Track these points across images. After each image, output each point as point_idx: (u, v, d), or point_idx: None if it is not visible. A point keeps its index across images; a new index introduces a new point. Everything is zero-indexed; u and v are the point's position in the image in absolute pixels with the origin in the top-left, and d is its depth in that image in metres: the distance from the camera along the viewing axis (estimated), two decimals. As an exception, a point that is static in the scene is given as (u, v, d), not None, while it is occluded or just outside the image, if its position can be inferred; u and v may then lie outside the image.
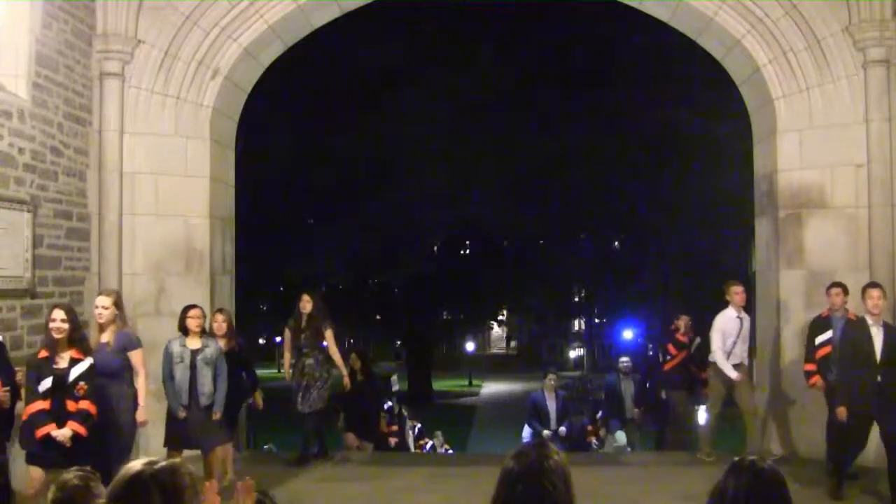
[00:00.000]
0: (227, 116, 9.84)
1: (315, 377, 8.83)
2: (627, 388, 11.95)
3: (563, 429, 11.51)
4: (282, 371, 9.13)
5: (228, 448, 7.82)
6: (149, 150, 9.01)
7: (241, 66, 9.46)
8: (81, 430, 5.96)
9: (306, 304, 8.94)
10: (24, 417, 5.98)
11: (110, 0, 8.75)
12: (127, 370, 6.79)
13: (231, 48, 9.22)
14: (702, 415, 10.85)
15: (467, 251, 37.53)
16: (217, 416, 7.29)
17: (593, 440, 13.42)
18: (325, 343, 8.97)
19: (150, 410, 7.19)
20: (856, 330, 7.30)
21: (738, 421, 9.73)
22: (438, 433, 16.92)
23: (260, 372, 10.90)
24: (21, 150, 7.46)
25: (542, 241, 36.17)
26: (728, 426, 9.97)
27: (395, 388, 16.32)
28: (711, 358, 8.89)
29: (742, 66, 9.57)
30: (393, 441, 12.45)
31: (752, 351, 9.37)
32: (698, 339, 10.45)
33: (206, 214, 9.21)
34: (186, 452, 7.20)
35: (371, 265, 30.11)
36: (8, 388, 5.94)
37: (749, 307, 9.61)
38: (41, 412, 5.89)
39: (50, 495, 3.15)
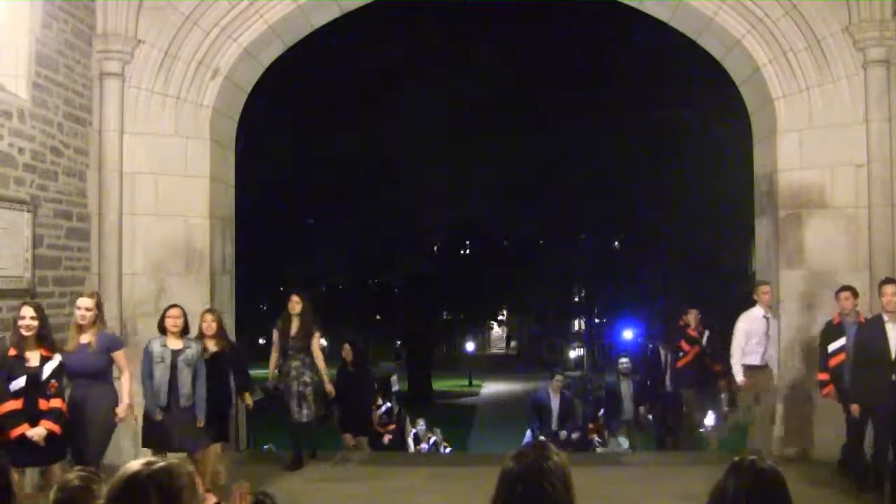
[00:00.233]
0: (227, 116, 9.84)
1: (306, 382, 8.67)
2: (626, 390, 11.95)
3: (563, 432, 11.50)
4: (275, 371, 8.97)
5: (214, 449, 7.70)
6: (149, 150, 9.02)
7: (241, 66, 9.47)
8: (56, 428, 5.96)
9: (295, 305, 8.76)
10: None
11: (110, 0, 8.75)
12: (109, 370, 6.77)
13: (231, 48, 9.22)
14: (709, 415, 10.87)
15: (467, 251, 37.50)
16: (201, 422, 7.17)
17: (595, 437, 13.45)
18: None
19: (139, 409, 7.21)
20: (870, 328, 7.24)
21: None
22: (437, 430, 16.94)
23: (260, 372, 10.86)
24: (21, 150, 7.47)
25: (542, 241, 36.14)
26: (738, 425, 9.99)
27: (395, 388, 16.33)
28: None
29: (742, 66, 9.57)
30: (387, 438, 12.37)
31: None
32: (707, 332, 10.42)
33: (206, 214, 9.21)
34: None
35: (371, 265, 30.07)
36: None
37: (749, 307, 9.60)
38: (14, 412, 5.84)
39: (51, 495, 3.16)
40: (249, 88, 10.10)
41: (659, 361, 11.40)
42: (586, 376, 37.92)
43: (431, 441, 16.08)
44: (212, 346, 7.74)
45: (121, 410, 6.73)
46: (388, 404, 12.63)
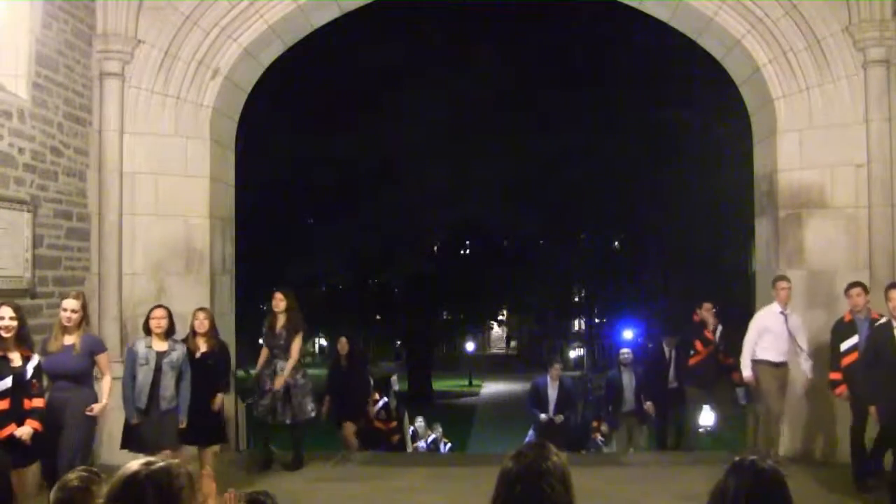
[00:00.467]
0: (227, 116, 9.84)
1: (294, 382, 8.49)
2: (628, 381, 11.83)
3: (560, 416, 11.53)
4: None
5: (212, 450, 7.63)
6: (149, 150, 9.02)
7: (241, 66, 9.47)
8: (39, 426, 5.93)
9: (279, 303, 8.56)
10: None
11: (110, 0, 8.76)
12: (91, 373, 6.73)
13: (231, 48, 9.23)
14: (708, 415, 10.79)
15: (467, 251, 37.50)
16: (183, 423, 7.06)
17: (598, 436, 13.44)
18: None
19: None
20: (879, 334, 7.21)
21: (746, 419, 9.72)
22: (437, 425, 16.95)
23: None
24: (21, 150, 7.47)
25: (542, 241, 36.14)
26: (737, 425, 9.95)
27: (396, 387, 16.31)
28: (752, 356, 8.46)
29: (742, 66, 9.57)
30: (396, 438, 12.38)
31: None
32: (721, 328, 10.17)
33: (206, 214, 9.22)
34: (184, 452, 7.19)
35: (371, 265, 30.07)
36: None
37: (749, 307, 9.59)
38: (1, 413, 5.79)
39: (51, 495, 3.16)
40: (249, 88, 10.10)
41: (662, 357, 11.24)
42: (586, 376, 37.93)
43: (431, 438, 16.08)
44: (203, 346, 7.62)
45: (97, 408, 6.64)
46: (385, 399, 12.51)
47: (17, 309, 6.05)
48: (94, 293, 8.70)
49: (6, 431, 5.77)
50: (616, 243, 39.81)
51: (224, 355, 7.86)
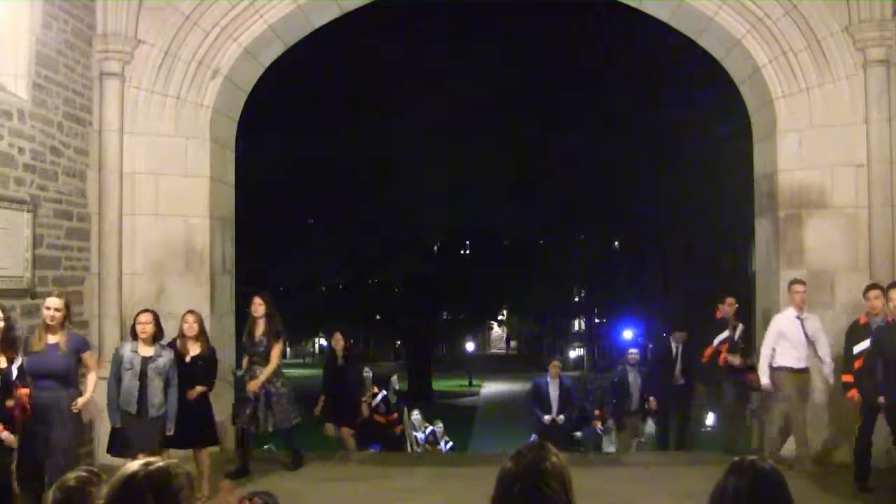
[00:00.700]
0: (227, 116, 9.84)
1: (276, 389, 8.26)
2: (635, 380, 11.78)
3: (561, 417, 11.50)
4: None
5: (206, 452, 7.58)
6: (149, 150, 9.02)
7: (241, 66, 9.47)
8: (12, 439, 5.87)
9: (258, 308, 8.33)
10: None
11: (110, 0, 8.75)
12: (77, 373, 6.70)
13: (231, 48, 9.23)
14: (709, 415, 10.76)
15: (467, 251, 37.50)
16: (170, 431, 6.98)
17: (598, 425, 13.46)
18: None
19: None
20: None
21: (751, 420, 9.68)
22: (438, 422, 16.96)
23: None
24: (21, 150, 7.47)
25: (541, 241, 36.14)
26: (741, 425, 9.93)
27: (396, 387, 16.30)
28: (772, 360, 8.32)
29: (742, 66, 9.57)
30: (399, 429, 12.32)
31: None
32: (741, 326, 9.81)
33: (206, 214, 9.22)
34: (183, 452, 7.18)
35: (371, 265, 30.07)
36: None
37: (749, 307, 9.57)
38: None
39: (51, 495, 3.15)
40: (249, 88, 10.10)
41: (669, 354, 11.04)
42: (586, 376, 37.93)
43: (429, 430, 16.07)
44: (193, 349, 7.53)
45: (81, 401, 6.60)
46: (385, 392, 12.44)
47: (3, 310, 6.03)
48: (94, 293, 8.70)
49: None
50: (616, 243, 39.82)
51: (212, 358, 7.73)
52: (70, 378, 6.63)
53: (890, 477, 7.46)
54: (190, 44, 9.07)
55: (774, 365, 8.28)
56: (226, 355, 9.21)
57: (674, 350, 11.02)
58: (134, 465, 2.39)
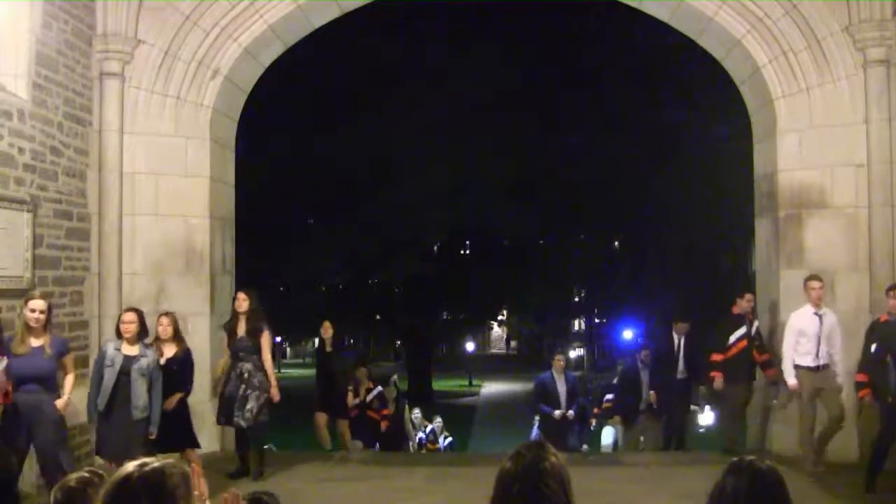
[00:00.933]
0: (227, 116, 9.85)
1: (255, 385, 8.08)
2: (645, 378, 11.67)
3: (571, 412, 11.40)
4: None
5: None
6: (149, 150, 9.03)
7: (241, 66, 9.47)
8: None
9: (242, 303, 8.22)
10: None
11: (110, 0, 8.76)
12: (57, 376, 6.66)
13: (231, 48, 9.23)
14: (708, 414, 10.70)
15: (467, 251, 37.50)
16: (153, 434, 6.91)
17: (593, 422, 13.49)
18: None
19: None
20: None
21: (751, 420, 9.64)
22: (438, 418, 16.94)
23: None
24: (21, 150, 7.47)
25: (541, 241, 36.14)
26: (741, 425, 9.89)
27: (397, 386, 16.26)
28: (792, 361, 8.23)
29: (742, 66, 9.58)
30: (385, 425, 12.08)
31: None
32: (757, 322, 9.58)
33: (206, 214, 9.22)
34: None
35: (370, 265, 30.07)
36: None
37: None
38: None
39: (51, 496, 3.16)
40: (249, 88, 10.11)
41: (672, 348, 10.84)
42: (586, 375, 37.94)
43: (429, 428, 16.04)
44: (168, 351, 7.49)
45: (60, 403, 6.57)
46: (380, 387, 12.33)
47: None
48: (94, 293, 8.71)
49: None
50: (616, 243, 39.81)
51: (188, 360, 7.67)
52: (51, 381, 6.56)
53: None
54: (190, 44, 9.08)
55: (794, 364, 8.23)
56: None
57: (676, 342, 10.80)
58: (129, 467, 2.38)
